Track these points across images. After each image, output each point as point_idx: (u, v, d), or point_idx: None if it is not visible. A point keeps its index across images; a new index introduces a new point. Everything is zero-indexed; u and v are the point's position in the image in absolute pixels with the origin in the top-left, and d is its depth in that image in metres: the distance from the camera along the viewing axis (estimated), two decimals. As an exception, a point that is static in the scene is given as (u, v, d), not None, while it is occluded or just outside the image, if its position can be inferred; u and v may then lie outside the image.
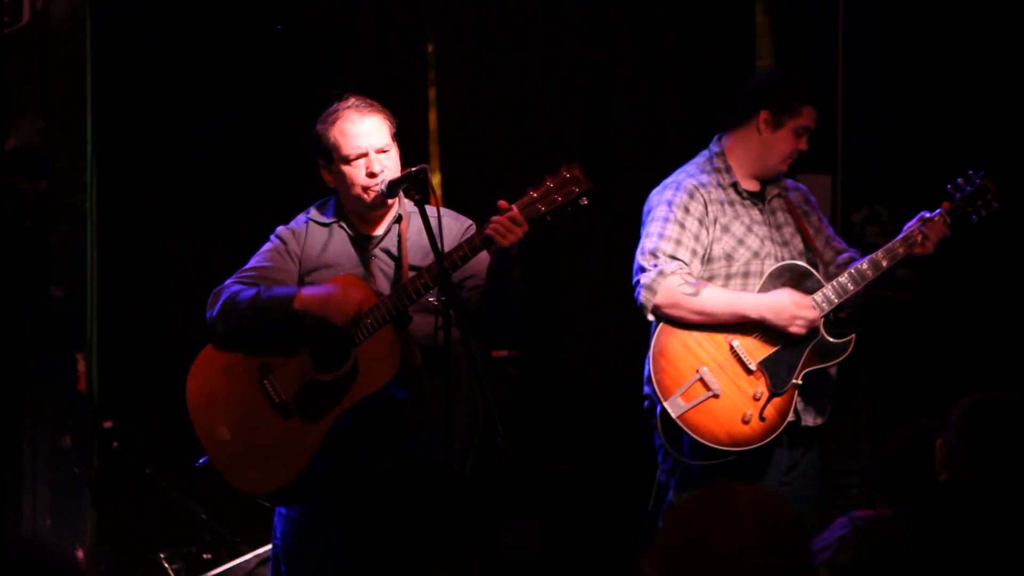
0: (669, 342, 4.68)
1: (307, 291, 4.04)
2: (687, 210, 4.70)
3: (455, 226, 4.21)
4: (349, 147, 4.14)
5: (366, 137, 4.14)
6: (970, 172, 4.70)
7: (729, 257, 4.70)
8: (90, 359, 5.98)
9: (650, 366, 4.69)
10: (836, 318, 4.66)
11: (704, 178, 4.75)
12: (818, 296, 4.62)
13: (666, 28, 6.31)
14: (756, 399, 4.60)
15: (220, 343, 4.18)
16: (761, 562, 2.22)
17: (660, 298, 4.64)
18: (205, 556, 5.47)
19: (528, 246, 3.96)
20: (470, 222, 4.25)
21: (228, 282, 4.19)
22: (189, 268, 5.90)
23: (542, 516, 5.57)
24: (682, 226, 4.69)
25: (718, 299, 4.63)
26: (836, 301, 4.62)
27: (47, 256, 5.96)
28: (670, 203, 4.72)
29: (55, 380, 5.93)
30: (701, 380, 4.62)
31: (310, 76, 6.09)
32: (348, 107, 4.17)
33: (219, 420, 4.12)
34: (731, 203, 4.73)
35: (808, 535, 2.33)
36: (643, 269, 4.68)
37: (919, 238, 4.61)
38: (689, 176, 4.76)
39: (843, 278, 4.62)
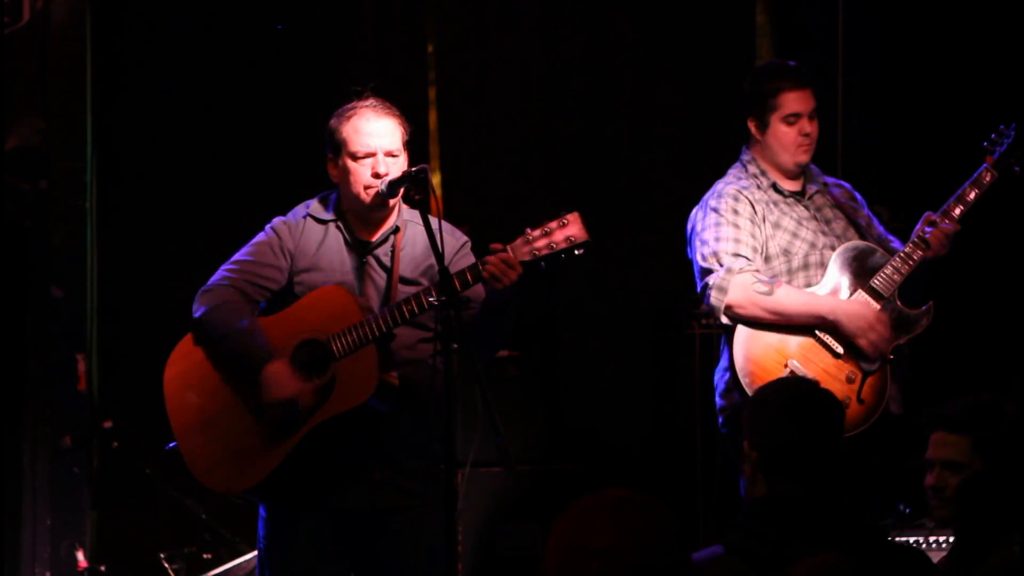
0: (752, 345, 4.58)
1: (271, 369, 4.01)
2: (736, 212, 4.65)
3: (451, 241, 4.19)
4: (359, 144, 4.14)
5: (378, 137, 4.14)
6: (1001, 127, 4.67)
7: (787, 252, 4.66)
8: (90, 359, 5.98)
9: (738, 374, 4.57)
10: (910, 289, 4.63)
11: (744, 183, 4.71)
12: (888, 269, 4.59)
13: (666, 28, 6.31)
14: (850, 382, 4.55)
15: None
16: (607, 568, 2.24)
17: (732, 296, 4.55)
18: (205, 556, 5.47)
19: (521, 288, 3.94)
20: (466, 239, 4.24)
21: (215, 279, 4.18)
22: (189, 268, 5.86)
23: (542, 516, 5.57)
24: (736, 226, 4.63)
25: (794, 299, 4.57)
26: (904, 270, 4.58)
27: (47, 256, 5.96)
28: (716, 209, 4.66)
29: (55, 380, 5.93)
30: (792, 374, 4.53)
31: (310, 76, 6.09)
32: (366, 105, 4.17)
33: (192, 411, 4.12)
34: (775, 203, 4.70)
35: (675, 542, 2.32)
36: (708, 271, 4.60)
37: (922, 247, 4.59)
38: (727, 184, 4.72)
39: (908, 246, 4.59)
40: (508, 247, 3.94)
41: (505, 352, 5.72)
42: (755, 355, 4.57)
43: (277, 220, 4.26)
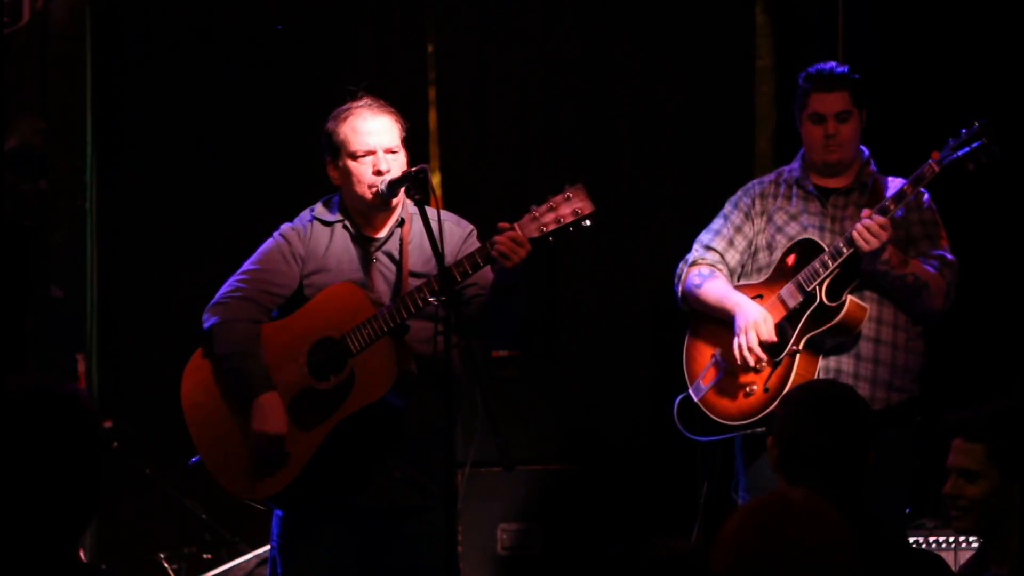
0: (696, 331, 4.86)
1: (267, 401, 4.01)
2: (736, 205, 4.89)
3: (456, 231, 4.20)
4: (358, 144, 4.14)
5: (376, 135, 4.14)
6: (974, 120, 4.67)
7: (770, 246, 4.79)
8: (90, 359, 5.98)
9: (682, 358, 4.85)
10: (839, 280, 4.66)
11: (768, 177, 4.93)
12: (816, 263, 4.63)
13: (666, 28, 6.31)
14: (757, 372, 4.68)
15: None
16: (813, 569, 2.21)
17: (683, 286, 4.85)
18: (205, 556, 5.47)
19: (531, 264, 3.96)
20: (471, 227, 4.24)
21: (226, 289, 4.17)
22: (189, 268, 5.89)
23: (542, 516, 5.57)
24: (726, 218, 4.88)
25: (711, 293, 4.79)
26: (831, 264, 4.62)
27: (47, 256, 5.96)
28: (726, 203, 4.92)
29: (55, 380, 5.92)
30: (716, 362, 4.76)
31: (310, 76, 6.09)
32: (361, 105, 4.18)
33: (213, 422, 4.12)
34: (787, 197, 4.84)
35: (853, 545, 2.30)
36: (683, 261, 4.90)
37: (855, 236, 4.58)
38: (756, 179, 4.97)
39: (840, 241, 4.62)
40: (515, 225, 3.95)
41: (505, 352, 5.72)
42: (697, 341, 4.84)
43: (285, 226, 4.26)
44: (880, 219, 4.56)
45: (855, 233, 4.56)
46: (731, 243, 4.84)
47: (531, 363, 5.82)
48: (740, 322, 4.67)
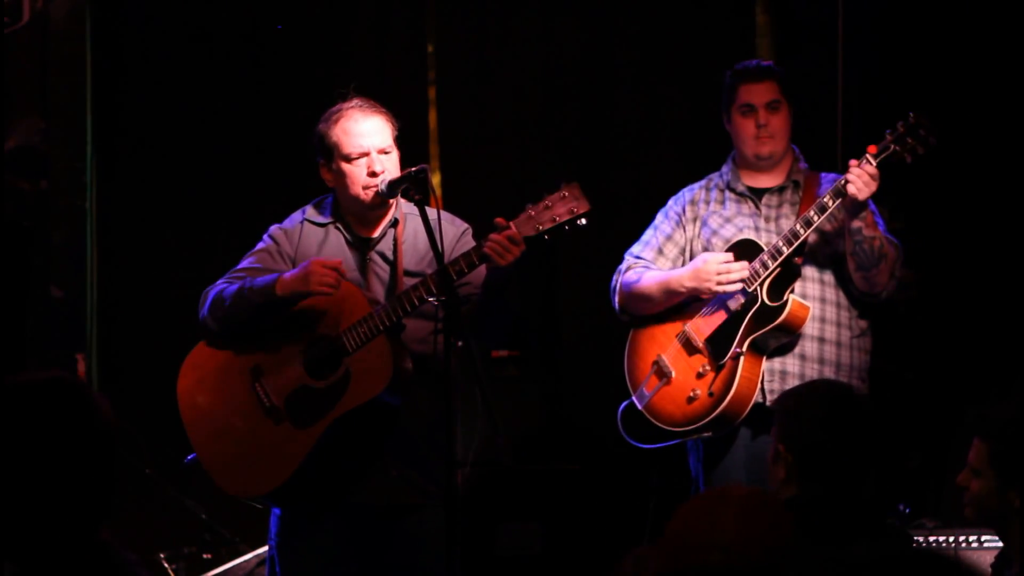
0: (638, 338, 4.84)
1: (288, 274, 4.04)
2: (667, 214, 4.89)
3: (451, 230, 4.20)
4: (351, 146, 4.14)
5: (368, 137, 4.15)
6: (908, 112, 4.65)
7: (706, 250, 4.77)
8: (90, 359, 5.98)
9: (624, 365, 4.83)
10: (780, 280, 4.67)
11: (699, 183, 4.91)
12: (756, 263, 4.64)
13: (666, 28, 6.31)
14: (700, 376, 4.67)
15: (212, 342, 4.18)
16: (729, 561, 2.24)
17: (619, 297, 4.82)
18: (205, 556, 5.47)
19: (524, 263, 3.96)
20: (466, 226, 4.25)
21: (218, 282, 4.19)
22: (189, 268, 5.89)
23: (542, 516, 5.58)
24: (655, 228, 4.89)
25: (651, 280, 4.76)
26: (771, 264, 4.62)
27: (47, 256, 5.96)
28: (657, 213, 4.92)
29: (55, 380, 5.92)
30: (658, 368, 4.74)
31: (310, 76, 6.09)
32: (352, 107, 4.18)
33: (208, 420, 4.12)
34: (720, 201, 4.83)
35: (791, 540, 2.32)
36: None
37: (842, 183, 4.56)
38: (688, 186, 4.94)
39: (779, 240, 4.62)
40: (511, 223, 3.95)
41: (505, 352, 5.72)
42: (639, 348, 4.82)
43: (274, 227, 4.27)
44: (870, 168, 4.54)
45: (850, 176, 4.52)
46: (660, 252, 4.84)
47: (531, 363, 5.82)
48: (699, 278, 4.64)
